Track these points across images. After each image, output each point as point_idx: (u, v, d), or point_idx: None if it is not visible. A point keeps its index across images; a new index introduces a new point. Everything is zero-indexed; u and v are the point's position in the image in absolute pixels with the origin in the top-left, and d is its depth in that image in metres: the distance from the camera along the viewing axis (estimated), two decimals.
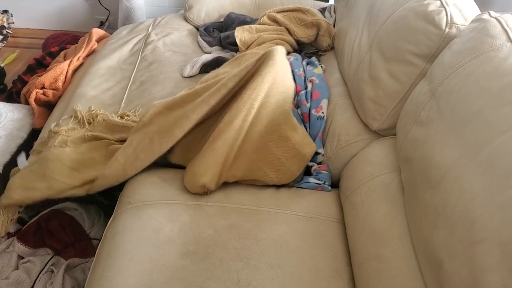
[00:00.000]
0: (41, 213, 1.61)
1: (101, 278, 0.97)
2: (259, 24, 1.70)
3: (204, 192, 1.17)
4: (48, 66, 2.28)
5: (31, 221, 1.58)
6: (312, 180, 1.25)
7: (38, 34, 2.92)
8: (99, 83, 1.64)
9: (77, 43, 2.55)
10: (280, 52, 1.21)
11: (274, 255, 1.03)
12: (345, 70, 1.41)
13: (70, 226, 1.56)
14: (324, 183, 1.25)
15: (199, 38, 1.84)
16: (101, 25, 2.94)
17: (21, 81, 2.26)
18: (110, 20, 2.93)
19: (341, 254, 1.07)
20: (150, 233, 1.05)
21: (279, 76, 1.19)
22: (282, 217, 1.13)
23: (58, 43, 2.58)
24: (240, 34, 1.61)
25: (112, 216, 1.18)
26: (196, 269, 0.97)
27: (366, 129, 1.27)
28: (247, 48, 1.59)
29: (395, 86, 1.16)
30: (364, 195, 1.09)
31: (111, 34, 2.13)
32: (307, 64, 1.53)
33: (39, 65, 2.30)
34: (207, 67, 1.63)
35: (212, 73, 1.48)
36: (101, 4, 2.84)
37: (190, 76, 1.62)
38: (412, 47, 1.11)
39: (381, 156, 1.15)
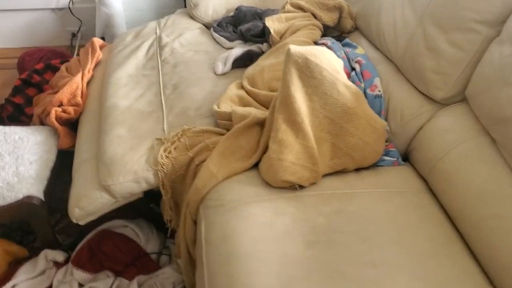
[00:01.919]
0: (88, 236, 1.52)
1: (231, 284, 0.93)
2: (284, 12, 1.69)
3: (292, 186, 1.16)
4: (37, 85, 2.14)
5: (81, 245, 1.49)
6: (386, 158, 1.28)
7: (6, 54, 2.72)
8: (127, 92, 1.56)
9: (57, 57, 2.42)
10: (293, 47, 1.21)
11: (390, 232, 1.04)
12: (389, 48, 1.44)
13: (125, 245, 1.48)
14: (397, 159, 1.28)
15: (215, 35, 1.80)
16: (73, 37, 2.79)
17: (11, 104, 2.10)
18: (83, 31, 2.78)
19: (444, 220, 1.11)
20: (263, 230, 1.03)
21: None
22: (378, 195, 1.15)
23: (36, 60, 2.42)
24: (271, 24, 1.59)
25: (204, 223, 1.13)
26: (326, 256, 0.96)
27: (428, 100, 1.30)
28: (280, 37, 1.58)
29: (458, 54, 1.20)
30: (456, 162, 1.13)
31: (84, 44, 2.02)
32: (343, 46, 1.54)
33: (27, 85, 2.15)
34: (238, 62, 1.60)
35: (255, 68, 1.45)
36: (73, 14, 2.69)
37: (224, 73, 1.58)
38: (475, 15, 1.16)
39: (459, 123, 1.19)
